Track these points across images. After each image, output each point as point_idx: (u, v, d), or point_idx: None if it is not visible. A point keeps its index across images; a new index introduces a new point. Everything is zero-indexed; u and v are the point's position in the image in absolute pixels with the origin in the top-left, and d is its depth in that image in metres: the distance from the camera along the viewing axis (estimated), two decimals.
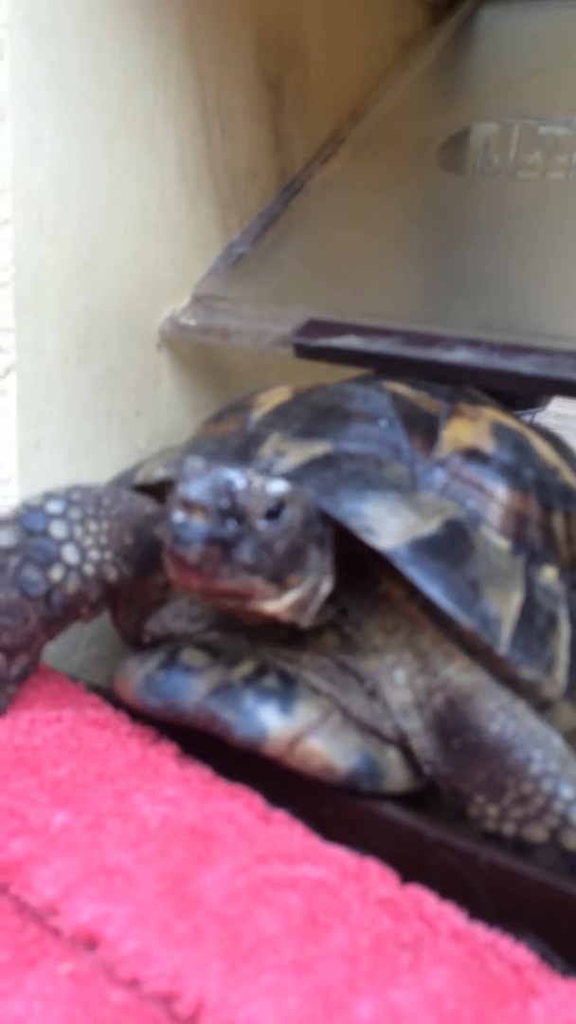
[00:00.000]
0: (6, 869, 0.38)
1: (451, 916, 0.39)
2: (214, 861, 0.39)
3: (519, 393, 0.53)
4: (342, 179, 0.79)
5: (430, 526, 0.45)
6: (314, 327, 0.61)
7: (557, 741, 0.43)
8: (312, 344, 0.60)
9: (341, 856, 0.41)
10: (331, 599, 0.47)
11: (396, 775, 0.46)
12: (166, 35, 0.63)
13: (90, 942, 0.36)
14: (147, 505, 0.50)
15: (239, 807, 0.43)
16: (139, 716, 0.49)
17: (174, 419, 0.70)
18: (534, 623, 0.45)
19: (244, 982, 0.34)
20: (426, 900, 0.39)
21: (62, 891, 0.37)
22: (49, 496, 0.47)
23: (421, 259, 0.70)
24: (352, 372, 0.62)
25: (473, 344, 0.55)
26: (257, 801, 0.45)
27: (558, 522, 0.50)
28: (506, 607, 0.45)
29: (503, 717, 0.43)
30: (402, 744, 0.46)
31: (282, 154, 0.77)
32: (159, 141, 0.64)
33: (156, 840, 0.40)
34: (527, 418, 0.74)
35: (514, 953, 0.37)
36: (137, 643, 0.53)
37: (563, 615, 0.47)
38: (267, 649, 0.48)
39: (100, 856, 0.38)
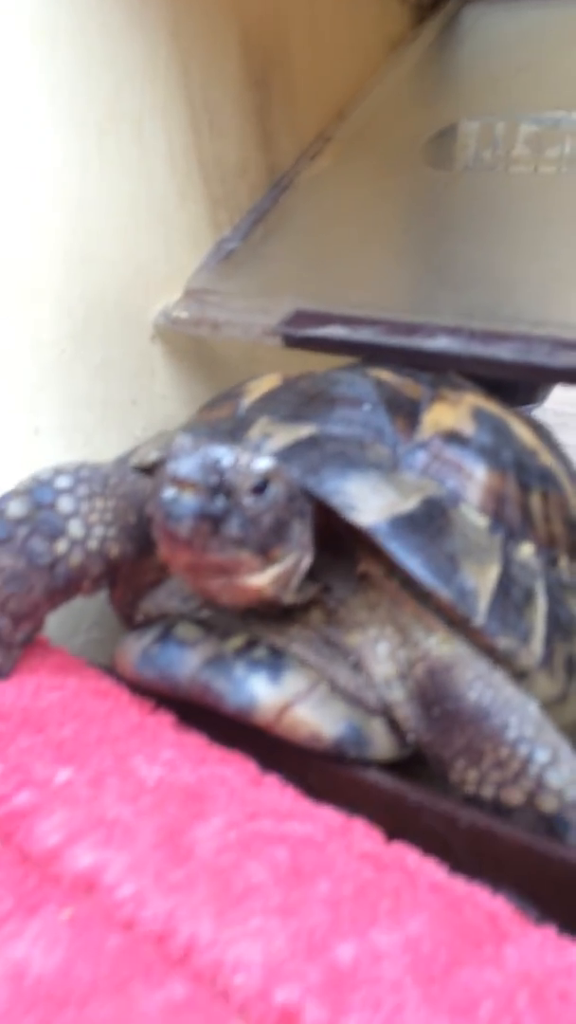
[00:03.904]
0: (11, 819, 0.40)
1: (432, 869, 0.41)
2: (207, 817, 0.41)
3: (498, 379, 0.55)
4: (330, 175, 0.81)
5: (409, 503, 0.47)
6: (301, 318, 0.63)
7: (533, 708, 0.45)
8: (299, 334, 0.62)
9: (328, 815, 0.43)
10: (315, 577, 0.49)
11: (381, 743, 0.48)
12: (152, 33, 0.65)
13: (89, 887, 0.38)
14: (149, 486, 0.52)
15: (232, 771, 0.46)
16: (138, 689, 0.51)
17: (169, 409, 0.72)
18: (511, 596, 0.48)
19: (233, 924, 0.36)
20: (408, 855, 0.41)
21: (64, 840, 0.39)
22: (59, 471, 0.49)
23: (406, 252, 0.72)
24: (339, 361, 0.64)
25: (453, 332, 0.57)
26: (250, 766, 0.47)
27: (535, 501, 0.53)
28: (483, 580, 0.47)
29: (481, 686, 0.45)
30: (386, 714, 0.49)
31: (270, 151, 0.79)
32: (148, 136, 0.66)
33: (153, 797, 0.42)
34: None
35: (491, 903, 0.39)
36: (132, 622, 0.55)
37: (540, 589, 0.50)
38: (257, 625, 0.50)
39: (100, 810, 0.41)
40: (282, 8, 0.77)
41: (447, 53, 0.94)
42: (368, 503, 0.46)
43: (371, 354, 0.61)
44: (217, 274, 0.72)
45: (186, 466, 0.41)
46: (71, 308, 0.62)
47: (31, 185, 0.58)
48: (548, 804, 0.43)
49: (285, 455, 0.48)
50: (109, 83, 0.62)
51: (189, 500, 0.41)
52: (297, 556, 0.46)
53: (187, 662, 0.48)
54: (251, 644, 0.48)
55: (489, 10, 0.95)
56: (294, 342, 0.63)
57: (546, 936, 0.38)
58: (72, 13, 0.59)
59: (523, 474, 0.53)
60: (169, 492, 0.41)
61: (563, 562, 0.52)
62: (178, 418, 0.72)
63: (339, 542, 0.50)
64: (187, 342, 0.72)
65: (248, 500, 0.42)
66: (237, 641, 0.48)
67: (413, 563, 0.45)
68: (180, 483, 0.41)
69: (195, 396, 0.74)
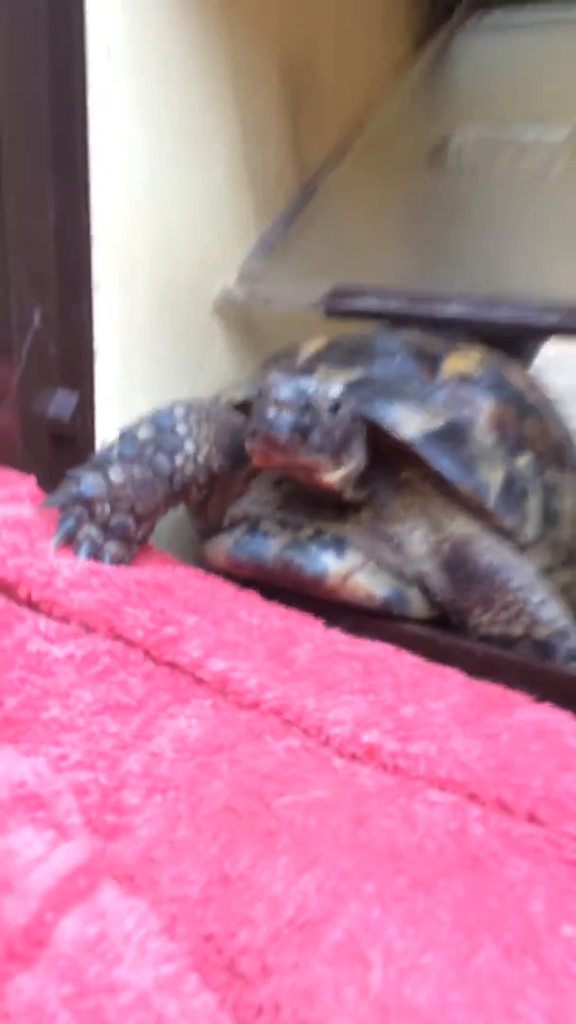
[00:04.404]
0: (162, 644, 0.56)
1: (461, 675, 0.57)
2: (300, 643, 0.58)
3: (498, 336, 0.72)
4: (350, 179, 0.98)
5: (437, 423, 0.64)
6: (339, 293, 0.80)
7: (529, 568, 0.62)
8: (339, 306, 0.79)
9: (384, 645, 0.60)
10: (366, 484, 0.66)
11: (416, 604, 0.65)
12: (216, 67, 0.81)
13: (223, 683, 0.54)
14: (237, 417, 0.68)
15: (309, 621, 0.62)
16: (228, 576, 0.67)
17: (224, 371, 0.88)
18: (513, 491, 0.64)
19: (328, 699, 0.53)
20: (444, 669, 0.58)
21: (203, 654, 0.55)
22: (175, 404, 0.65)
23: (418, 240, 0.88)
24: (354, 328, 0.80)
25: (462, 300, 0.74)
26: (319, 621, 0.63)
27: (527, 426, 0.69)
28: (493, 478, 0.63)
29: (491, 553, 0.62)
30: (420, 583, 0.65)
31: (301, 159, 0.95)
32: (212, 151, 0.83)
33: (258, 632, 0.58)
34: None
35: (506, 693, 0.56)
36: (218, 528, 0.71)
37: (532, 488, 0.66)
38: (320, 522, 0.66)
39: (224, 637, 0.57)
40: (311, 39, 0.94)
41: (442, 73, 1.11)
42: (408, 423, 0.63)
43: (396, 320, 0.77)
44: (263, 262, 0.88)
45: (284, 392, 0.57)
46: (155, 288, 0.78)
47: (130, 190, 0.74)
48: (540, 633, 0.60)
49: (344, 391, 0.64)
50: (185, 110, 0.78)
51: (286, 416, 0.57)
52: (357, 462, 0.62)
53: (271, 546, 0.65)
54: (319, 532, 0.65)
55: (477, 37, 1.12)
56: (334, 312, 0.79)
57: (544, 706, 0.54)
58: (159, 59, 0.74)
59: (518, 406, 0.69)
60: (272, 411, 0.57)
61: (549, 471, 0.69)
62: (231, 378, 0.88)
63: (382, 459, 0.67)
64: (238, 317, 0.88)
65: (326, 416, 0.59)
66: (309, 531, 0.65)
67: (443, 464, 0.61)
68: (279, 404, 0.57)
69: (243, 361, 0.90)
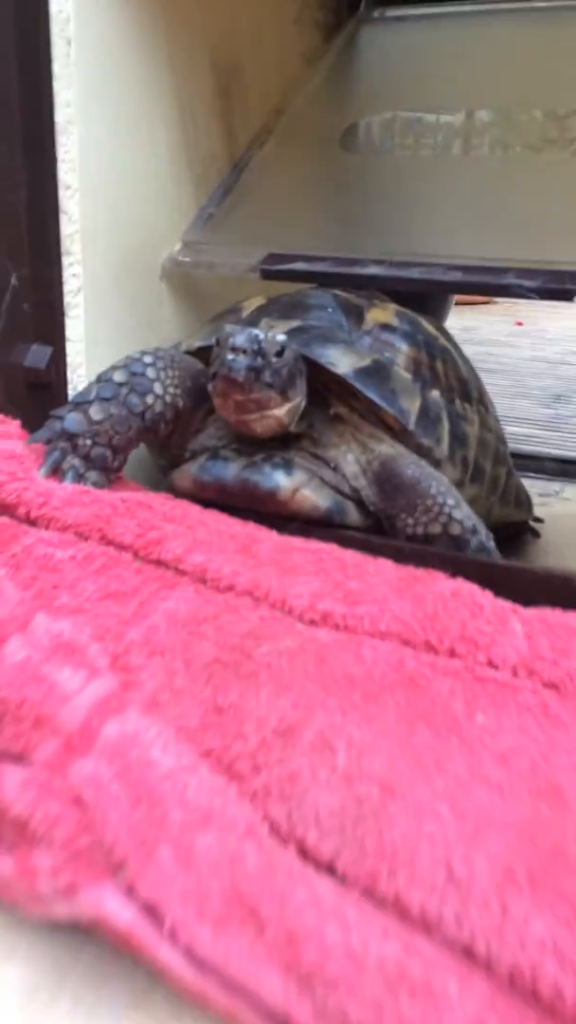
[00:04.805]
0: (148, 545, 0.68)
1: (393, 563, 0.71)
2: (261, 542, 0.70)
3: (410, 293, 0.85)
4: (274, 159, 1.10)
5: (365, 362, 0.77)
6: (273, 258, 0.92)
7: (445, 479, 0.76)
8: (274, 268, 0.91)
9: (331, 544, 0.73)
10: (304, 418, 0.78)
11: (353, 514, 0.78)
12: (156, 61, 0.93)
13: (203, 573, 0.66)
14: (195, 363, 0.80)
15: (264, 528, 0.75)
16: (192, 499, 0.79)
17: (171, 329, 1.00)
18: (428, 416, 0.78)
19: (289, 579, 0.65)
20: (380, 559, 0.71)
21: (184, 550, 0.67)
22: (144, 352, 0.77)
23: (337, 211, 1.02)
24: (286, 288, 0.93)
25: (379, 263, 0.87)
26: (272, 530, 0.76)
27: (438, 365, 0.83)
28: (412, 406, 0.77)
29: (413, 467, 0.75)
30: (355, 498, 0.78)
31: (231, 141, 1.07)
32: (157, 137, 0.94)
33: (226, 534, 0.71)
34: None
35: (429, 572, 0.69)
36: (178, 462, 0.83)
37: (444, 415, 0.80)
38: (269, 450, 0.79)
39: (199, 538, 0.69)
40: (235, 35, 1.05)
41: (349, 65, 1.24)
42: (341, 362, 0.76)
43: (323, 281, 0.90)
44: (203, 232, 1.00)
45: (239, 340, 0.69)
46: (112, 256, 0.89)
47: (89, 171, 0.84)
48: (455, 530, 0.74)
49: (287, 337, 0.77)
50: (135, 98, 0.89)
51: (242, 360, 0.69)
52: (300, 399, 0.75)
53: (231, 469, 0.77)
54: (270, 456, 0.77)
55: (380, 31, 1.25)
56: (269, 275, 0.91)
57: (459, 579, 0.68)
58: (108, 54, 0.85)
59: (430, 349, 0.83)
60: (230, 355, 0.69)
61: (457, 402, 0.83)
62: (178, 333, 0.99)
63: (317, 396, 0.79)
64: (183, 281, 1.00)
65: (274, 359, 0.71)
66: (262, 455, 0.77)
67: (371, 393, 0.75)
68: (236, 350, 0.69)
69: (188, 322, 1.02)
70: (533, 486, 1.19)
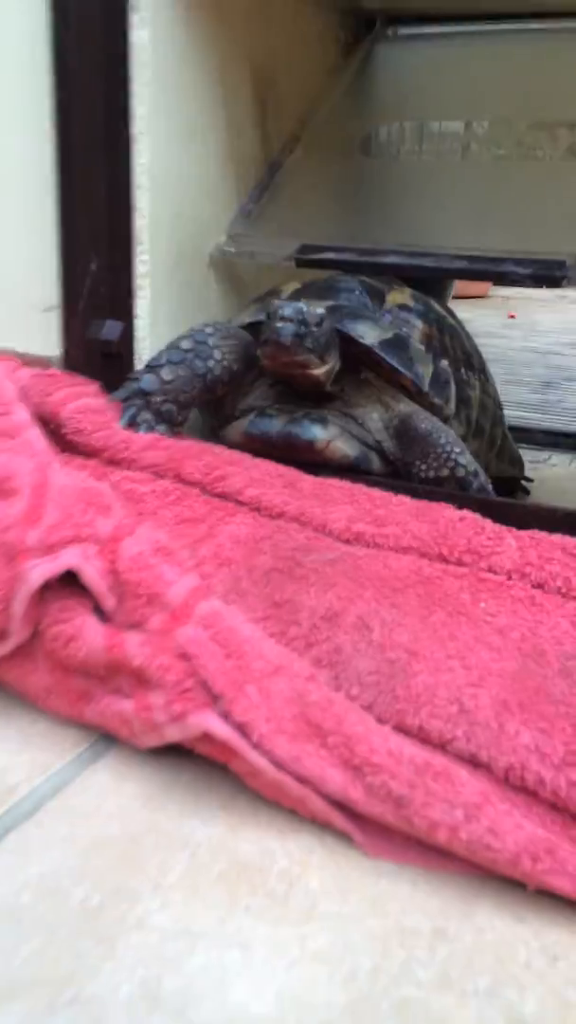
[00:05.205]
0: (214, 482, 0.84)
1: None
2: (304, 480, 0.87)
3: (423, 278, 1.01)
4: (302, 162, 1.26)
5: (388, 335, 0.93)
6: (305, 248, 1.08)
7: (452, 432, 0.92)
8: (306, 257, 1.07)
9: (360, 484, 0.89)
10: (336, 381, 0.94)
11: (376, 463, 0.94)
12: (210, 82, 1.08)
13: (258, 503, 0.82)
14: (246, 335, 0.96)
15: (303, 472, 0.91)
16: (242, 448, 0.95)
17: (216, 310, 1.15)
18: (439, 381, 0.94)
19: (329, 507, 0.81)
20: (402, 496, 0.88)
21: (242, 486, 0.83)
22: (206, 325, 0.93)
23: (357, 208, 1.17)
24: (314, 275, 1.08)
25: (396, 252, 1.03)
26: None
27: (447, 340, 0.99)
28: (426, 371, 0.93)
29: (427, 421, 0.92)
30: (378, 449, 0.94)
31: (266, 146, 1.23)
32: (208, 143, 1.10)
33: (275, 474, 0.87)
34: None
35: (440, 503, 0.86)
36: (229, 420, 0.99)
37: (452, 381, 0.96)
38: (307, 408, 0.95)
39: (253, 476, 0.85)
40: (271, 49, 1.21)
41: (367, 78, 1.40)
42: (368, 335, 0.92)
43: (348, 268, 1.06)
44: (244, 226, 1.16)
45: (287, 311, 0.85)
46: (171, 246, 1.05)
47: (155, 172, 1.00)
48: (460, 473, 0.90)
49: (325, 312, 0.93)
50: (192, 109, 1.05)
51: (289, 327, 0.85)
52: (335, 362, 0.91)
53: (275, 424, 0.93)
54: (308, 413, 0.93)
55: (393, 48, 1.41)
56: (303, 263, 1.07)
57: (464, 510, 0.84)
58: (169, 72, 1.01)
59: (440, 326, 0.99)
60: (279, 324, 0.85)
61: (462, 371, 0.99)
62: (223, 314, 1.15)
63: (347, 364, 0.95)
64: (226, 268, 1.16)
65: (315, 328, 0.87)
66: (301, 412, 0.93)
67: (393, 360, 0.91)
68: (284, 319, 0.85)
69: (230, 303, 1.17)
70: (525, 455, 1.35)
